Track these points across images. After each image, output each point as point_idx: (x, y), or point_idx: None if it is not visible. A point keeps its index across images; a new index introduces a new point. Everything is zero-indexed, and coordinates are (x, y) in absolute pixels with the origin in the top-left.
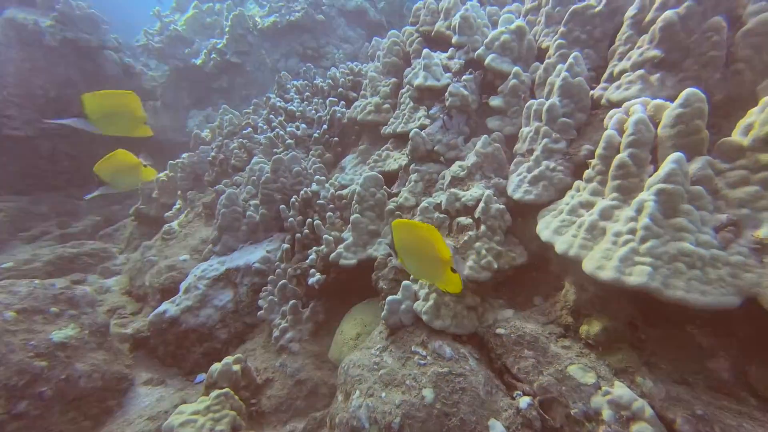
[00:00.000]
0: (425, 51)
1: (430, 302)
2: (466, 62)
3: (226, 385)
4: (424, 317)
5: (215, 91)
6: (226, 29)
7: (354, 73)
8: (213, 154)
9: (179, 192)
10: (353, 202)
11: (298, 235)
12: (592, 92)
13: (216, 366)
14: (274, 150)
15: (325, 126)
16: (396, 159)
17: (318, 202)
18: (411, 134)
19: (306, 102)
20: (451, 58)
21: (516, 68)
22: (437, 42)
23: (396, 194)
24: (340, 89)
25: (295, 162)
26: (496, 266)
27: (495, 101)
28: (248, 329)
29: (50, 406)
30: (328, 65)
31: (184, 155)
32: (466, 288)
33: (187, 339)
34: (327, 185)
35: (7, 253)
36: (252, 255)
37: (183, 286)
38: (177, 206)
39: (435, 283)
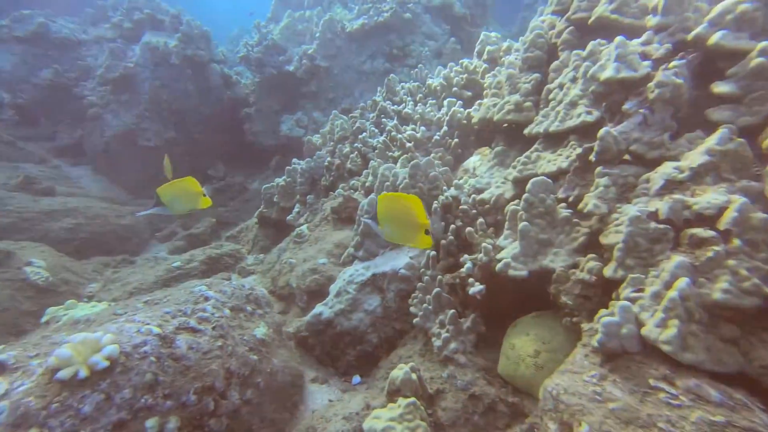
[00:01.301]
0: (619, 39)
1: (672, 330)
2: (674, 46)
3: (410, 394)
4: (666, 347)
5: (304, 96)
6: (317, 34)
7: (469, 71)
8: (329, 159)
9: (298, 196)
10: (520, 209)
11: (443, 242)
12: None
13: (397, 374)
14: (389, 154)
15: (445, 128)
16: (551, 161)
17: (461, 207)
18: (600, 133)
19: (420, 104)
20: (646, 43)
21: (764, 43)
22: (595, 31)
23: (564, 199)
24: (455, 89)
25: (431, 166)
26: None
27: (723, 87)
28: (398, 335)
29: (263, 396)
30: (413, 63)
31: (300, 162)
32: (720, 318)
33: (342, 341)
34: (466, 189)
35: (149, 251)
36: (396, 261)
37: (333, 289)
38: (297, 210)
39: (409, 243)
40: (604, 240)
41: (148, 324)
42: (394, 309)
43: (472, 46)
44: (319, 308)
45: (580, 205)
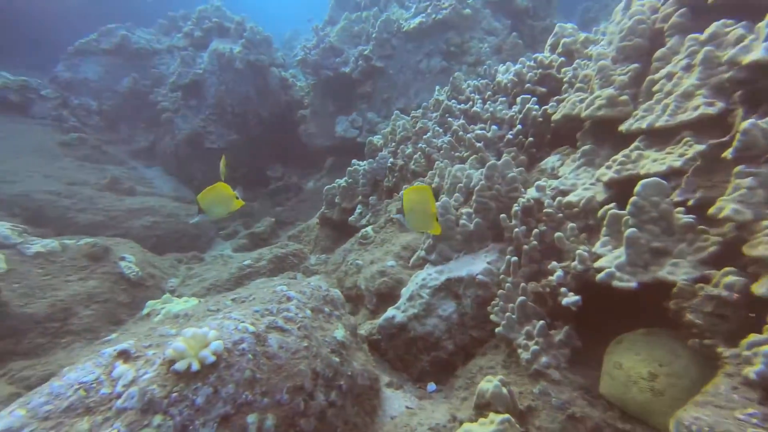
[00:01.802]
0: None
1: None
2: None
3: (502, 409)
4: None
5: (359, 97)
6: (373, 35)
7: (543, 66)
8: (392, 160)
9: (360, 197)
10: (626, 213)
11: (525, 247)
12: None
13: (486, 386)
14: (455, 154)
15: (519, 126)
16: (658, 160)
17: (545, 211)
18: (745, 126)
19: (490, 102)
20: None
21: None
22: (715, 11)
23: (682, 203)
24: (527, 85)
25: (508, 167)
26: None
27: None
28: (475, 343)
29: (346, 399)
30: (471, 61)
31: (361, 162)
32: None
33: (415, 346)
34: (548, 191)
35: (215, 248)
36: (473, 266)
37: (405, 293)
38: (359, 211)
39: (428, 230)
40: (752, 251)
41: (243, 321)
42: (471, 316)
43: (534, 40)
44: (391, 312)
45: (711, 210)
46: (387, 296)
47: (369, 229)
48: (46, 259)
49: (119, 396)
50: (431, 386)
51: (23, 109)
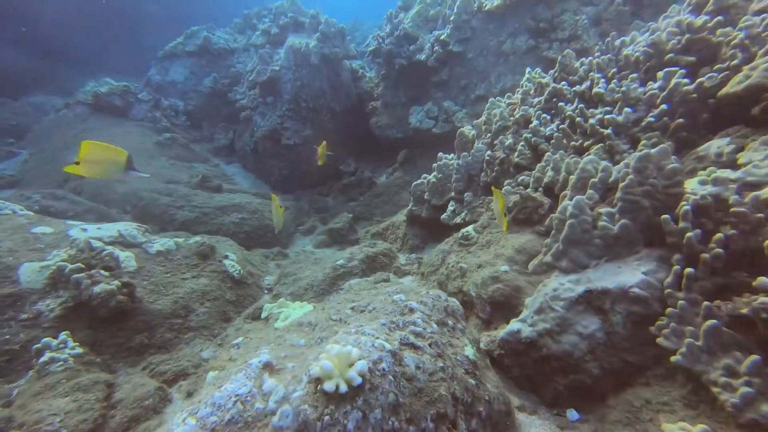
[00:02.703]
0: None
1: None
2: None
3: None
4: None
5: (434, 85)
6: (451, 17)
7: (692, 29)
8: (489, 153)
9: (453, 193)
10: None
11: (704, 256)
12: None
13: None
14: (570, 143)
15: (665, 106)
16: None
17: (733, 210)
18: None
19: (615, 81)
20: None
21: None
22: None
23: None
24: (670, 55)
25: (665, 156)
26: None
27: None
28: (630, 369)
29: (486, 428)
30: (564, 37)
31: (449, 156)
32: None
33: (548, 365)
34: (730, 186)
35: (296, 244)
36: (622, 276)
37: (531, 304)
38: (451, 208)
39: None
40: None
41: (378, 338)
42: (623, 336)
43: (642, 6)
44: (515, 325)
45: None
46: (503, 305)
47: (470, 229)
48: (165, 257)
49: (273, 413)
50: (573, 414)
51: (125, 111)
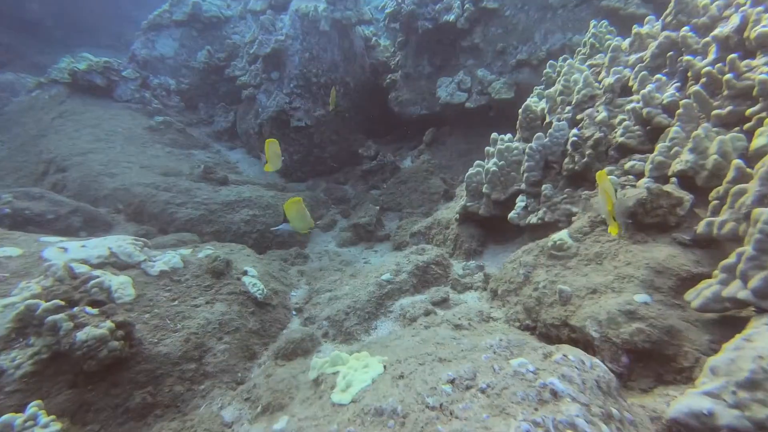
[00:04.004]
0: None
1: None
2: None
3: None
4: None
5: (465, 51)
6: None
7: None
8: (575, 132)
9: (524, 185)
10: None
11: None
12: None
13: None
14: (711, 112)
15: None
16: None
17: None
18: None
19: None
20: None
21: None
22: None
23: None
24: None
25: None
26: None
27: None
28: None
29: None
30: None
31: (504, 137)
32: None
33: None
34: None
35: (315, 241)
36: None
37: (726, 368)
38: (522, 204)
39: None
40: None
41: None
42: None
43: None
44: (701, 401)
45: None
46: (650, 356)
47: (565, 235)
48: (170, 278)
49: None
50: None
51: (108, 91)
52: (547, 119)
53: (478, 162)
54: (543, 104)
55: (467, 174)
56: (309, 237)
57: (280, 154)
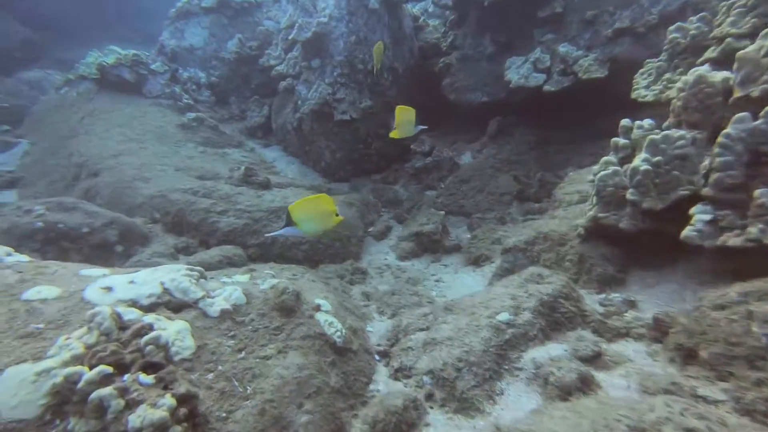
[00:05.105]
0: None
1: None
2: None
3: None
4: None
5: (540, 24)
6: None
7: None
8: None
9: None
10: None
11: None
12: None
13: None
14: None
15: None
16: None
17: None
18: None
19: None
20: None
21: None
22: None
23: None
24: None
25: None
26: None
27: None
28: None
29: None
30: None
31: (644, 123)
32: None
33: None
34: None
35: (369, 251)
36: None
37: None
38: (705, 217)
39: None
40: None
41: None
42: None
43: None
44: None
45: None
46: None
47: None
48: (233, 320)
49: None
50: None
51: (138, 86)
52: (737, 94)
53: (606, 159)
54: (726, 74)
55: (598, 176)
56: (362, 247)
57: (415, 121)
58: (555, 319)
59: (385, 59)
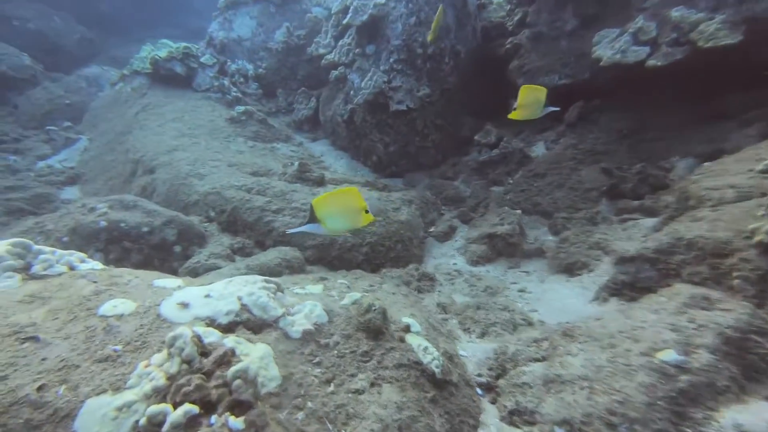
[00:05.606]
0: None
1: None
2: None
3: None
4: None
5: None
6: None
7: None
8: None
9: None
10: None
11: None
12: None
13: None
14: None
15: None
16: None
17: None
18: None
19: None
20: None
21: None
22: None
23: None
24: None
25: None
26: None
27: None
28: None
29: None
30: None
31: None
32: None
33: None
34: None
35: (432, 254)
36: None
37: None
38: None
39: None
40: None
41: None
42: None
43: None
44: None
45: None
46: None
47: None
48: (317, 343)
49: None
50: None
51: (188, 80)
52: None
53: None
54: None
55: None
56: (422, 247)
57: (544, 102)
58: (749, 363)
59: (447, 41)
